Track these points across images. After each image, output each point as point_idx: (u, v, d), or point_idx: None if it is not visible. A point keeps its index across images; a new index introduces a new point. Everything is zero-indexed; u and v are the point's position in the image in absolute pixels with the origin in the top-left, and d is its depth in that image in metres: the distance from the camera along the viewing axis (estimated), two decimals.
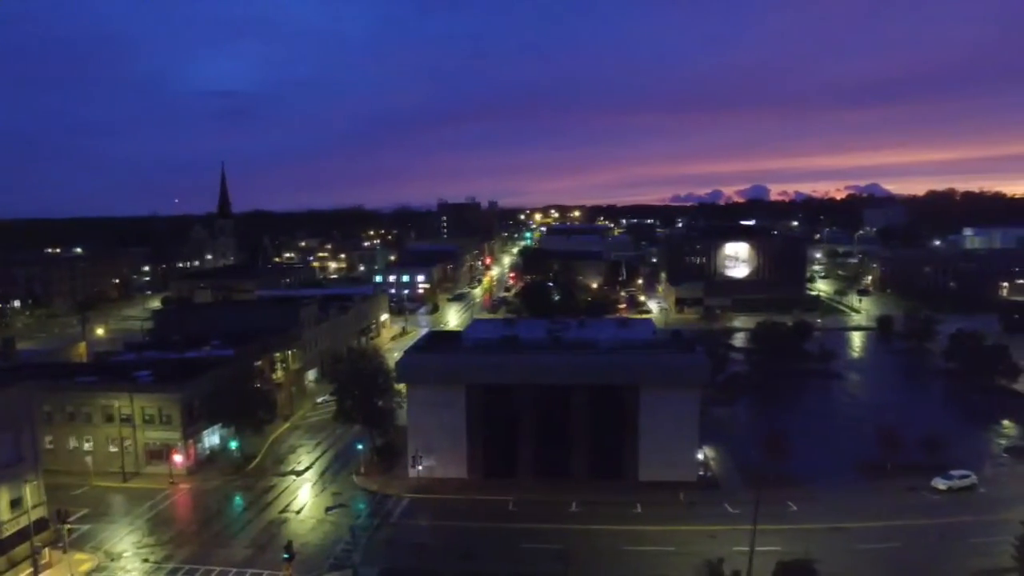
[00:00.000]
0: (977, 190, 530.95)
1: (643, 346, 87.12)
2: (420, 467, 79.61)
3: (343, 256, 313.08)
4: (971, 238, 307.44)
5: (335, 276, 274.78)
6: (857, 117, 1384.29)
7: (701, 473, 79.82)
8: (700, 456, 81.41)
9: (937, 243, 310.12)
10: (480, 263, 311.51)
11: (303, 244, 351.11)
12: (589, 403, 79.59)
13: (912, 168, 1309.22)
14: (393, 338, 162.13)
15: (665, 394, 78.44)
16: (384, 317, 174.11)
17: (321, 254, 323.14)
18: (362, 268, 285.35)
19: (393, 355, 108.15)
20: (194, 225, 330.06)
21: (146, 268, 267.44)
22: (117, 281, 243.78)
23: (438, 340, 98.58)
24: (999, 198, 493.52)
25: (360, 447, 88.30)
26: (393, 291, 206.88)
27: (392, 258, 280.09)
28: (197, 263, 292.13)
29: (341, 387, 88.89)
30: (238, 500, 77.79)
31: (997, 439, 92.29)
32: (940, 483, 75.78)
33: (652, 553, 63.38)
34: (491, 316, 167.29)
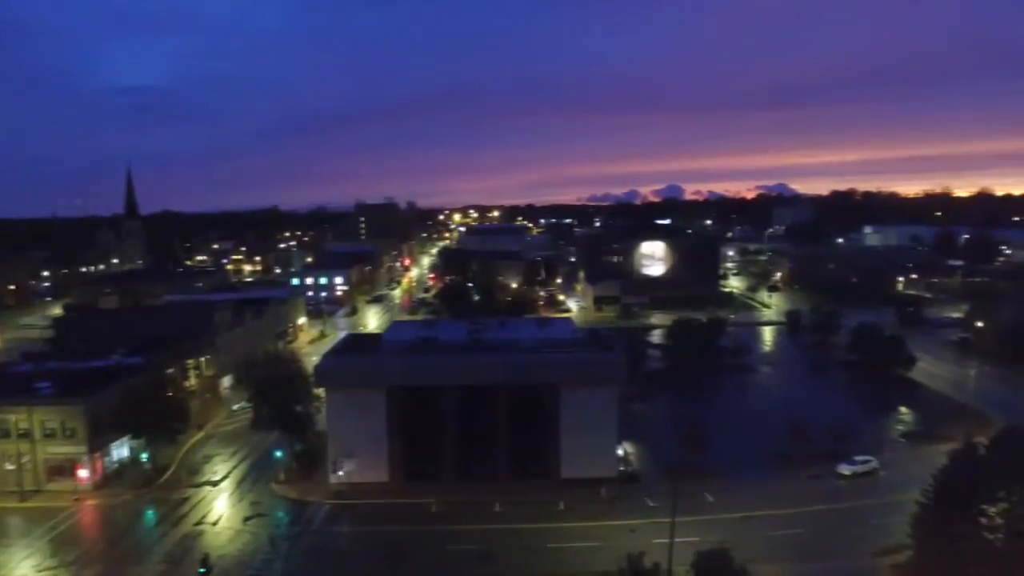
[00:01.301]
0: (875, 190, 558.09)
1: (562, 345, 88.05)
2: (341, 472, 78.39)
3: (258, 258, 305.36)
4: (870, 236, 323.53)
5: (250, 279, 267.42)
6: (767, 119, 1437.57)
7: (621, 468, 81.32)
8: (620, 452, 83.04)
9: (840, 241, 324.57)
10: (399, 264, 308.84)
11: (216, 246, 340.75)
12: (510, 403, 79.97)
13: (817, 169, 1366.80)
14: (311, 341, 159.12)
15: (585, 392, 79.52)
16: (301, 320, 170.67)
17: (236, 256, 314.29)
18: (278, 270, 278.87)
19: (311, 359, 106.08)
20: (99, 227, 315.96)
21: (46, 273, 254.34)
22: (13, 287, 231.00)
23: (357, 343, 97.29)
24: (895, 198, 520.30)
25: (279, 454, 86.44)
26: (310, 294, 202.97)
27: (309, 260, 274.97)
28: (102, 267, 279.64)
29: (258, 393, 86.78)
30: (150, 514, 74.90)
31: (896, 425, 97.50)
32: (844, 469, 79.56)
33: (576, 549, 64.25)
34: (411, 317, 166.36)
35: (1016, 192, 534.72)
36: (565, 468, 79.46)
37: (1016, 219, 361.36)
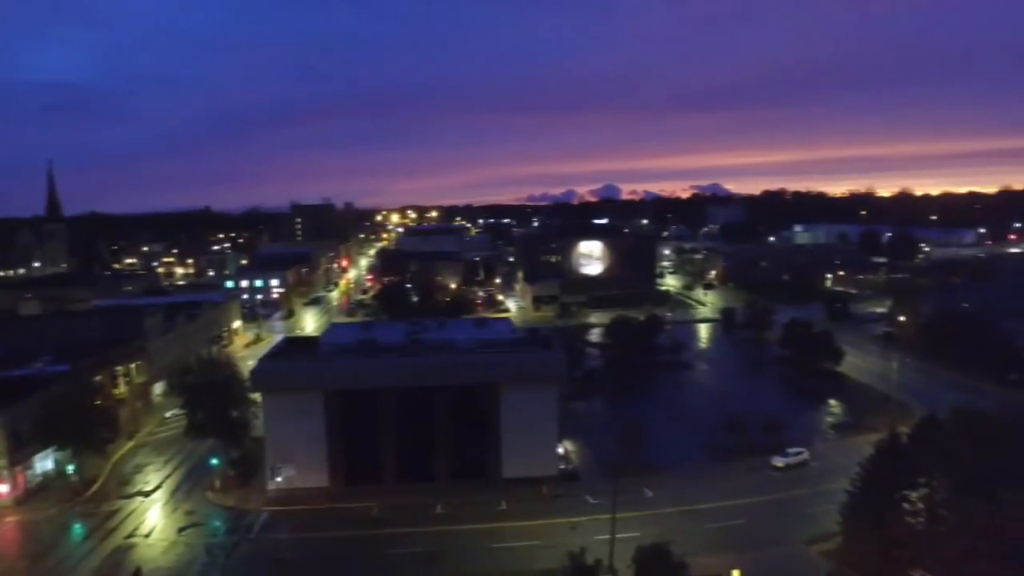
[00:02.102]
0: (804, 190, 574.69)
1: (502, 345, 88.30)
2: (279, 478, 76.97)
3: (191, 261, 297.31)
4: (800, 234, 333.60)
5: (183, 282, 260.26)
6: (701, 121, 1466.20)
7: (562, 467, 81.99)
8: (560, 450, 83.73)
9: (772, 239, 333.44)
10: (337, 265, 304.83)
11: (146, 249, 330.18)
12: (450, 404, 79.83)
13: (749, 169, 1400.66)
14: (247, 345, 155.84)
15: (524, 392, 79.85)
16: (236, 324, 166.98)
17: (167, 259, 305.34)
18: (212, 273, 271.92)
19: (247, 363, 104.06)
20: (19, 229, 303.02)
21: None
22: None
23: (294, 346, 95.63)
24: (822, 197, 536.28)
25: (214, 462, 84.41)
26: (246, 296, 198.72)
27: (244, 262, 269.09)
28: (23, 271, 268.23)
29: (191, 399, 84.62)
30: (77, 528, 72.21)
31: (825, 417, 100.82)
32: (778, 461, 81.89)
33: (518, 548, 64.54)
34: (349, 319, 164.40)
35: (933, 192, 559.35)
36: (506, 468, 79.70)
37: (933, 218, 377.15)
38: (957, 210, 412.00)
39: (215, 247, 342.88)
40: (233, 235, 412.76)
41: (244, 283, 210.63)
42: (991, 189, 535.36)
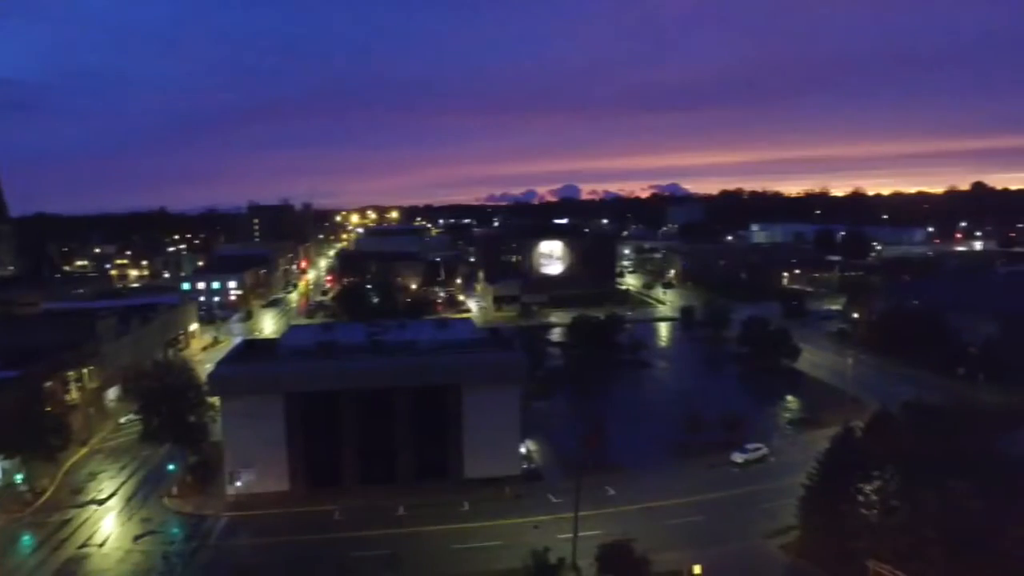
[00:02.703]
0: (761, 190, 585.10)
1: (463, 345, 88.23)
2: (239, 483, 75.91)
3: (145, 263, 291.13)
4: (757, 233, 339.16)
5: (137, 285, 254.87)
6: (659, 121, 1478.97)
7: (524, 466, 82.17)
8: (523, 450, 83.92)
9: (730, 238, 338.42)
10: (295, 267, 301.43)
11: (98, 251, 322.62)
12: (412, 405, 79.50)
13: (707, 169, 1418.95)
14: (204, 348, 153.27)
15: (486, 392, 79.90)
16: (193, 327, 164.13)
17: (120, 261, 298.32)
18: (167, 275, 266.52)
19: (205, 367, 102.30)
20: None
21: None
22: None
23: (253, 349, 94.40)
24: (778, 197, 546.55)
25: (172, 467, 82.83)
26: (203, 299, 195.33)
27: (200, 263, 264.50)
28: None
29: (147, 404, 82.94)
30: (27, 540, 70.14)
31: (783, 413, 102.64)
32: (737, 457, 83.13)
33: (481, 549, 64.50)
34: (308, 321, 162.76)
35: (885, 192, 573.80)
36: (469, 468, 79.63)
37: (885, 217, 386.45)
38: (907, 210, 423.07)
39: (171, 248, 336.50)
40: (189, 236, 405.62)
41: (201, 285, 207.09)
42: (938, 189, 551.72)
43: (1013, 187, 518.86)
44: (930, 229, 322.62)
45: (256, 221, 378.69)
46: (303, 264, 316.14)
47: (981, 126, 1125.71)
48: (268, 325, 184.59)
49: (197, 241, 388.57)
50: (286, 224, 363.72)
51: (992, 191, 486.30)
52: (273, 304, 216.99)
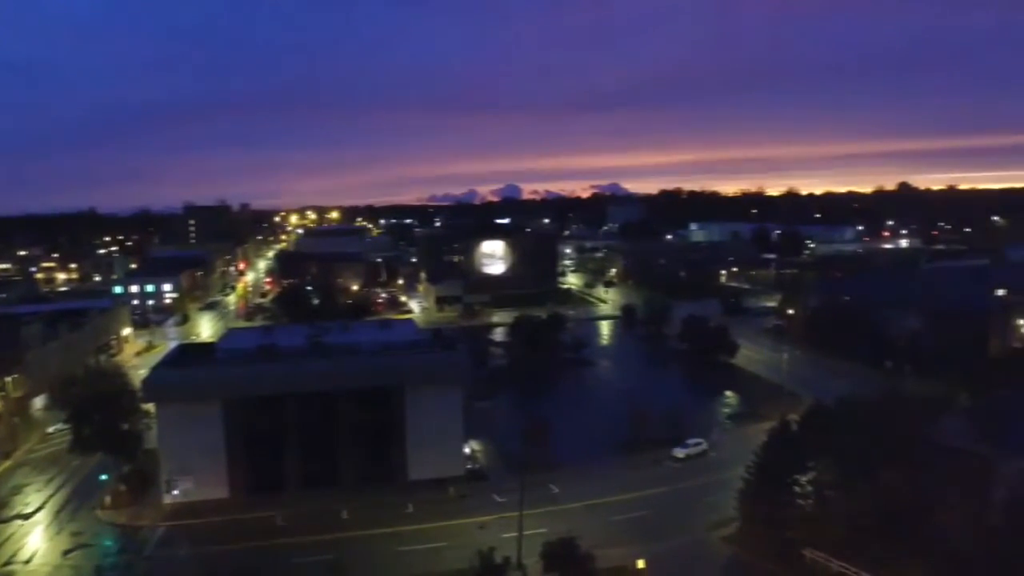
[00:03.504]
0: (699, 189, 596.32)
1: (406, 347, 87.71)
2: (176, 491, 73.90)
3: (74, 266, 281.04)
4: (696, 232, 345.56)
5: (65, 288, 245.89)
6: (601, 122, 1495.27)
7: (469, 467, 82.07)
8: (467, 450, 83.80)
9: (669, 237, 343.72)
10: (234, 269, 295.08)
11: (23, 253, 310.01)
12: (354, 408, 78.66)
13: (647, 169, 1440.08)
14: (138, 354, 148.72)
15: (430, 393, 79.62)
16: (126, 331, 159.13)
17: (46, 264, 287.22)
18: (98, 278, 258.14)
19: (139, 372, 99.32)
20: None
21: None
22: None
23: (189, 353, 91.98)
24: (716, 197, 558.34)
25: (104, 478, 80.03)
26: (136, 302, 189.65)
27: (133, 266, 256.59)
28: None
29: (77, 413, 79.98)
30: None
31: (722, 408, 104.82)
32: (679, 452, 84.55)
33: (427, 551, 64.17)
34: (247, 324, 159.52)
35: (817, 192, 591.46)
36: (413, 470, 79.17)
37: (817, 216, 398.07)
38: (838, 209, 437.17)
39: (101, 251, 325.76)
40: (121, 238, 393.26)
41: (134, 288, 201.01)
42: (867, 189, 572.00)
43: (935, 187, 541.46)
44: (860, 227, 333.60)
45: (192, 222, 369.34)
46: (241, 266, 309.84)
47: (906, 129, 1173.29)
48: (205, 329, 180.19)
49: (130, 243, 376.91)
50: (224, 225, 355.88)
51: (916, 191, 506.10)
52: (211, 307, 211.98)
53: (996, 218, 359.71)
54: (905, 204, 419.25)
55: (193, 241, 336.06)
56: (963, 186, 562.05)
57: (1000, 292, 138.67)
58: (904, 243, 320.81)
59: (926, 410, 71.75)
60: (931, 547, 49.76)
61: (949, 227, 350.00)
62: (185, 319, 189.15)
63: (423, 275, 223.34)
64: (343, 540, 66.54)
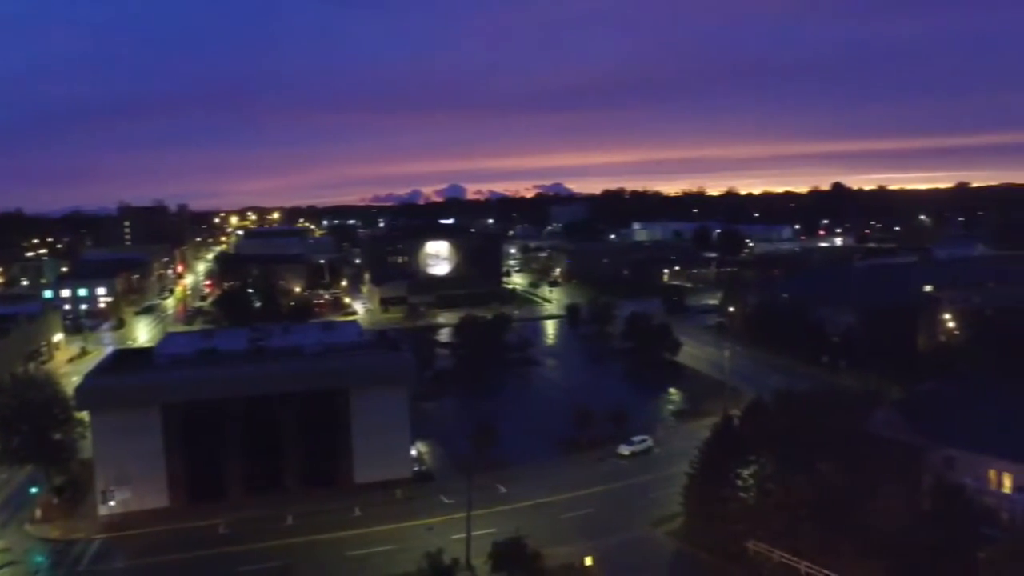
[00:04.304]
0: (642, 189, 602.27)
1: (350, 349, 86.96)
2: (112, 502, 71.69)
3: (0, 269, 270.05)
4: (638, 231, 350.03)
5: None
6: (543, 121, 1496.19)
7: (416, 468, 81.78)
8: (414, 452, 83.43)
9: (612, 237, 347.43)
10: (172, 271, 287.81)
11: None
12: (298, 411, 77.60)
13: (590, 169, 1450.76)
14: (70, 360, 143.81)
15: (375, 394, 79.04)
16: (58, 337, 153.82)
17: None
18: (26, 282, 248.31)
19: (71, 379, 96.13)
20: None
21: None
22: None
23: (126, 359, 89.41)
24: (658, 196, 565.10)
25: (34, 490, 77.09)
26: (68, 307, 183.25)
27: (64, 269, 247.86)
28: None
29: (4, 423, 76.95)
30: None
31: (666, 405, 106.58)
32: (624, 449, 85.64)
33: (375, 554, 63.70)
34: (186, 328, 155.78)
35: (756, 192, 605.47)
36: (359, 473, 78.49)
37: (756, 215, 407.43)
38: (776, 208, 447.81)
39: (29, 253, 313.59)
40: (51, 240, 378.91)
41: (65, 292, 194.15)
42: (803, 189, 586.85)
43: (867, 188, 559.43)
44: (796, 226, 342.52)
45: (127, 223, 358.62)
46: (180, 268, 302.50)
47: (839, 132, 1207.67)
48: (143, 333, 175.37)
49: (60, 245, 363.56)
50: (161, 227, 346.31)
51: (849, 191, 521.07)
52: (148, 311, 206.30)
53: (923, 217, 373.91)
54: (839, 204, 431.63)
55: (129, 243, 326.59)
56: (892, 187, 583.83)
57: (927, 289, 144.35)
58: (839, 242, 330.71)
59: (859, 403, 74.44)
60: (865, 533, 51.49)
61: (880, 226, 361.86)
62: (121, 324, 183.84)
63: (367, 276, 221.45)
64: (289, 546, 65.56)
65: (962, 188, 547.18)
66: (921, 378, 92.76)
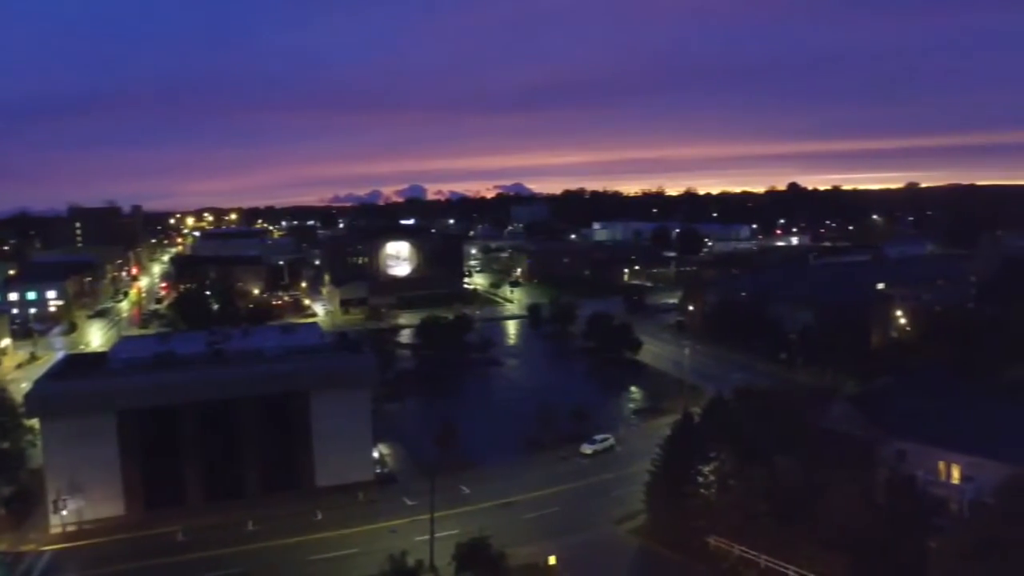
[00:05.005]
0: (602, 189, 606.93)
1: (310, 351, 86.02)
2: (65, 512, 69.87)
3: None
4: (599, 231, 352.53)
5: None
6: (503, 122, 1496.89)
7: (378, 471, 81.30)
8: (376, 454, 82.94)
9: (573, 236, 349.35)
10: (126, 274, 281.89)
11: None
12: (257, 415, 76.50)
13: (551, 169, 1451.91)
14: (19, 366, 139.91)
15: (336, 397, 78.27)
16: (5, 343, 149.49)
17: None
18: None
19: (20, 386, 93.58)
20: None
21: None
22: None
23: (78, 364, 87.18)
24: (618, 196, 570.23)
25: None
26: (16, 311, 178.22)
27: (12, 272, 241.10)
28: None
29: None
30: None
31: (628, 404, 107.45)
32: (586, 448, 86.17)
33: (337, 558, 63.20)
34: (142, 332, 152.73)
35: (714, 192, 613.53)
36: (320, 476, 77.69)
37: (715, 215, 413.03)
38: (734, 208, 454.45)
39: None
40: None
41: (13, 296, 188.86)
42: (760, 189, 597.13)
43: (822, 188, 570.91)
44: (754, 226, 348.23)
45: (78, 225, 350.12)
46: (134, 271, 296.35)
47: (796, 133, 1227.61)
48: (96, 337, 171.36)
49: (7, 247, 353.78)
50: (114, 228, 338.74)
51: (805, 191, 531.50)
52: (101, 315, 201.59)
53: (875, 217, 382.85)
54: (795, 204, 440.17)
55: (80, 245, 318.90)
56: (846, 187, 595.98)
57: (880, 286, 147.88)
58: (795, 241, 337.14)
59: (816, 398, 75.93)
60: (822, 526, 52.53)
61: (834, 225, 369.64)
62: (72, 328, 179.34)
63: (327, 277, 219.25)
64: (250, 552, 64.70)
65: (912, 188, 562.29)
66: (875, 373, 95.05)
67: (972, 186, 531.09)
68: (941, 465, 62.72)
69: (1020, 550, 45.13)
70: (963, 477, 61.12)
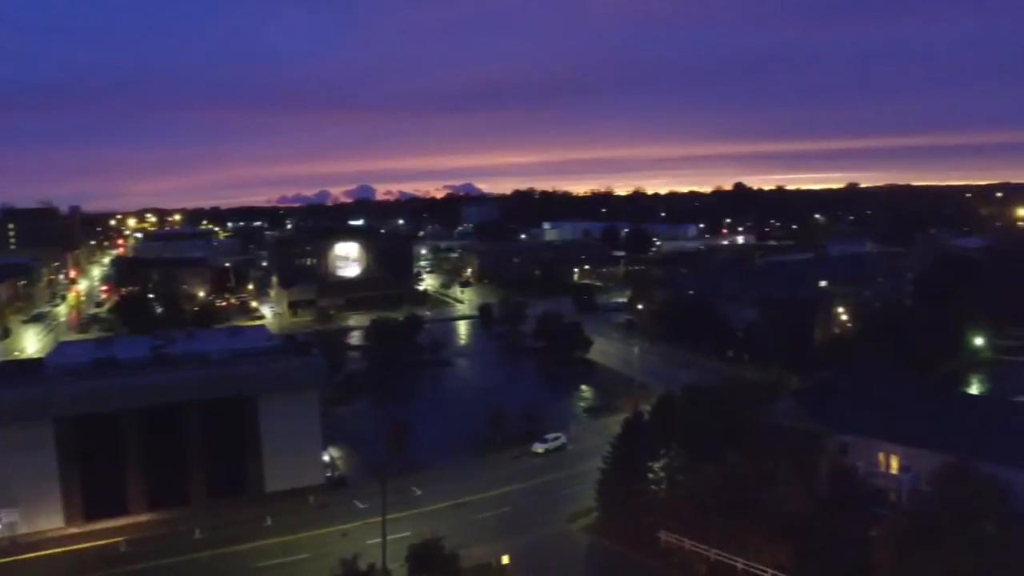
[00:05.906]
0: (552, 189, 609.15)
1: (257, 354, 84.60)
2: (0, 526, 67.43)
3: None
4: (548, 231, 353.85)
5: None
6: (453, 122, 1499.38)
7: (328, 474, 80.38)
8: (326, 457, 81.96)
9: (523, 236, 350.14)
10: (64, 277, 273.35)
11: None
12: (203, 420, 75.00)
13: (500, 169, 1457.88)
14: None
15: (284, 400, 77.26)
16: None
17: None
18: None
19: None
20: None
21: None
22: None
23: (13, 370, 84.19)
24: (567, 196, 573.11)
25: None
26: None
27: None
28: None
29: None
30: None
31: (578, 402, 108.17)
32: (538, 447, 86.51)
33: (288, 564, 62.28)
34: (81, 337, 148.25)
35: (662, 192, 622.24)
36: (269, 481, 76.52)
37: (663, 214, 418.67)
38: (681, 208, 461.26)
39: None
40: None
41: None
42: (707, 189, 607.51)
43: (766, 188, 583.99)
44: (701, 225, 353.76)
45: (10, 226, 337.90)
46: (72, 273, 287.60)
47: (741, 133, 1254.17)
48: (31, 343, 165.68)
49: None
50: (50, 229, 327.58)
51: (750, 191, 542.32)
52: (37, 319, 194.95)
53: (817, 216, 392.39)
54: (741, 203, 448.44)
55: (13, 247, 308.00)
56: (790, 187, 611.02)
57: (822, 284, 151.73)
58: (740, 240, 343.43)
59: (762, 394, 77.55)
60: (769, 518, 53.66)
61: (779, 224, 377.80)
62: (6, 333, 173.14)
63: (274, 279, 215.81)
64: (197, 561, 63.36)
65: (852, 189, 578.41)
66: (818, 369, 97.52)
67: (909, 186, 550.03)
68: (881, 456, 64.62)
69: (956, 535, 46.80)
70: (901, 467, 63.07)
